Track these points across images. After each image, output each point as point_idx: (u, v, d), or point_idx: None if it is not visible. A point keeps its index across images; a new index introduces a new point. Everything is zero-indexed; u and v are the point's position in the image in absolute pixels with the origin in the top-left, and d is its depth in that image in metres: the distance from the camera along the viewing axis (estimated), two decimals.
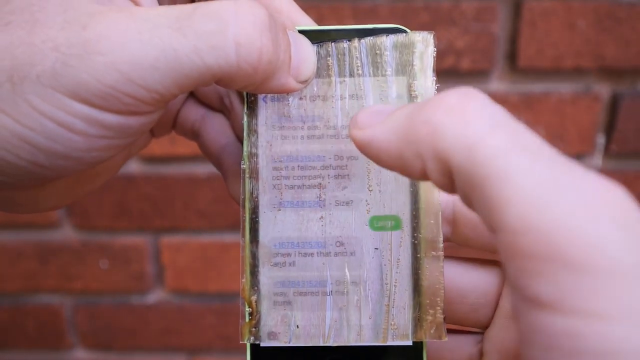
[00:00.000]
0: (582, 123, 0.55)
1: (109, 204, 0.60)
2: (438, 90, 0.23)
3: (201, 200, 0.59)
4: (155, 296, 0.64)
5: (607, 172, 0.56)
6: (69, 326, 0.65)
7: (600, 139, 0.56)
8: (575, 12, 0.51)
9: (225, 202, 0.59)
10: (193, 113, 0.26)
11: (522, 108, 0.54)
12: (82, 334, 0.66)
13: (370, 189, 0.23)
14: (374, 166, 0.22)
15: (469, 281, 0.22)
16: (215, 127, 0.26)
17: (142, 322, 0.65)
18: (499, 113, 0.15)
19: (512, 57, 0.53)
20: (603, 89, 0.54)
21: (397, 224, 0.22)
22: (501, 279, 0.22)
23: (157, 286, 0.64)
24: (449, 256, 0.23)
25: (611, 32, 0.52)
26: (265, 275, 0.23)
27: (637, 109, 0.54)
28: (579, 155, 0.56)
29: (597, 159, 0.56)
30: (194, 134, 0.27)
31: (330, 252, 0.23)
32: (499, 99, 0.54)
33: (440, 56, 0.53)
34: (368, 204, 0.23)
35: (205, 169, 0.58)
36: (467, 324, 0.23)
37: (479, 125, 0.15)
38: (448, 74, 0.54)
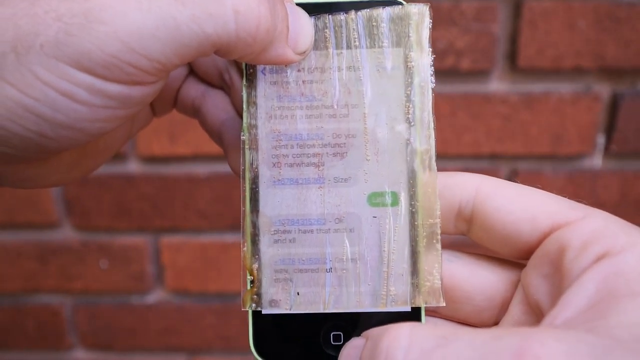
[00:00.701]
0: (582, 123, 0.55)
1: (109, 204, 0.60)
2: (434, 61, 0.23)
3: (201, 200, 0.59)
4: (155, 296, 0.64)
5: (607, 172, 0.56)
6: (69, 326, 0.65)
7: (600, 139, 0.56)
8: (575, 12, 0.51)
9: (225, 202, 0.59)
10: (193, 90, 0.27)
11: (522, 108, 0.54)
12: (82, 334, 0.66)
13: (368, 158, 0.23)
14: (371, 137, 0.23)
15: (475, 283, 0.22)
16: (216, 103, 0.26)
17: (142, 322, 0.65)
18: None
19: (512, 57, 0.53)
20: (603, 89, 0.54)
21: (395, 200, 0.23)
22: (509, 284, 0.22)
23: (157, 286, 0.64)
24: (459, 250, 0.23)
25: (611, 32, 0.52)
26: (266, 245, 0.23)
27: (637, 109, 0.54)
28: (579, 155, 0.56)
29: (597, 159, 0.56)
30: (194, 111, 0.27)
31: (329, 229, 0.23)
32: (499, 99, 0.54)
33: (440, 56, 0.53)
34: (366, 174, 0.23)
35: (205, 169, 0.58)
36: (469, 324, 0.23)
37: None
38: (448, 74, 0.54)
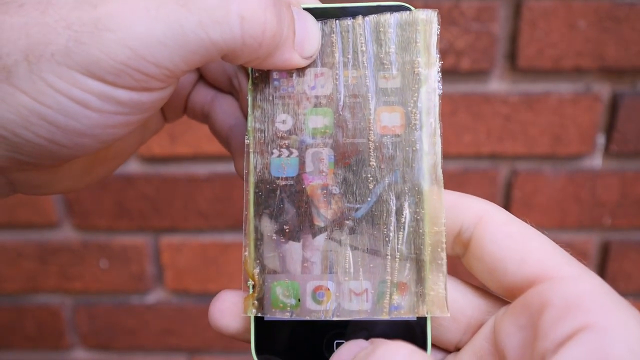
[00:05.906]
0: (582, 123, 0.55)
1: (109, 204, 0.60)
2: (441, 67, 0.23)
3: (201, 200, 0.59)
4: (155, 296, 0.64)
5: (607, 172, 0.56)
6: (69, 326, 0.65)
7: (600, 139, 0.56)
8: (575, 12, 0.51)
9: (225, 202, 0.59)
10: (203, 95, 0.27)
11: (522, 108, 0.54)
12: (82, 334, 0.66)
13: (372, 164, 0.23)
14: (376, 143, 0.23)
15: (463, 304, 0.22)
16: (224, 109, 0.27)
17: (142, 322, 0.65)
18: None
19: (512, 57, 0.53)
20: (603, 89, 0.54)
21: (399, 208, 0.22)
22: (476, 310, 0.22)
23: (157, 286, 0.64)
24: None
25: (611, 32, 0.52)
26: (268, 249, 0.23)
27: (637, 109, 0.54)
28: (579, 155, 0.56)
29: (597, 159, 0.56)
30: (204, 116, 0.27)
31: (334, 235, 0.23)
32: (499, 99, 0.54)
33: (440, 56, 0.53)
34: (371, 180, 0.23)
35: (206, 169, 0.58)
36: (433, 343, 0.23)
37: None
38: (448, 73, 0.54)
